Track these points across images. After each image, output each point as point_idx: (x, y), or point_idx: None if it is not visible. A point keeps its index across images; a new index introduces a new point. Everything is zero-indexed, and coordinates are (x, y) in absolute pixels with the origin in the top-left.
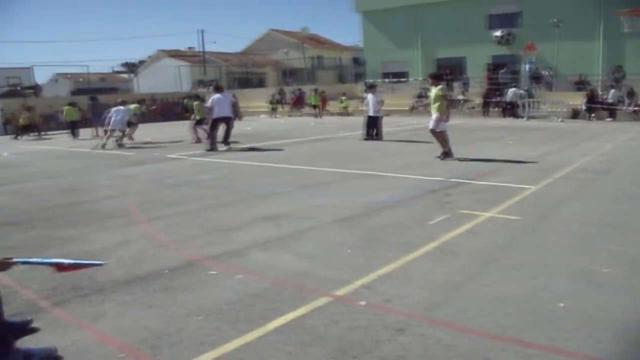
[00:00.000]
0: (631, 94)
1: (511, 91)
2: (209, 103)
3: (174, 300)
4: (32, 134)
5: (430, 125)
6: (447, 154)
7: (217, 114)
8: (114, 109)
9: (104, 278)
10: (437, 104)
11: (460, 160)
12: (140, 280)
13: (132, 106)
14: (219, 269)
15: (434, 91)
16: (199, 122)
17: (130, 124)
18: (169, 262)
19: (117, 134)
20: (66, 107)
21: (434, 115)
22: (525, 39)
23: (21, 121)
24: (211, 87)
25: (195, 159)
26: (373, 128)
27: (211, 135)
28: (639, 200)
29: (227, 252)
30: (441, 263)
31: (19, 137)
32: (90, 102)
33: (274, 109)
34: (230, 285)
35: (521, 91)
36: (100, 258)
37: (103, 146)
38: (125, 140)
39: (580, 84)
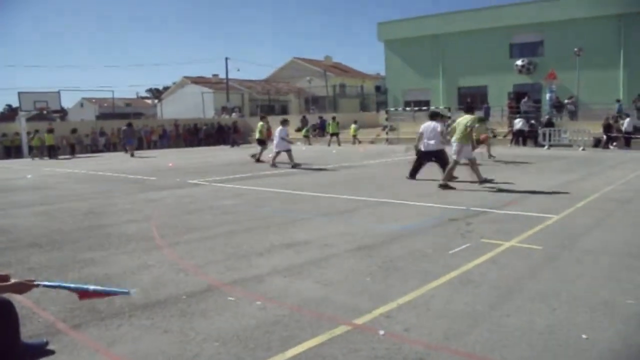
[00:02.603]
0: None
1: (517, 121)
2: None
3: (192, 326)
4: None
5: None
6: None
7: (423, 145)
8: (278, 129)
9: (122, 302)
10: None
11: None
12: (158, 304)
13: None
14: (237, 295)
15: (462, 121)
16: (259, 142)
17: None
18: (187, 287)
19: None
20: (46, 134)
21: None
22: (547, 68)
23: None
24: (234, 114)
25: (215, 184)
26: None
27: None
28: None
29: (246, 278)
30: (461, 293)
31: (34, 158)
32: (125, 128)
33: (306, 137)
34: (248, 311)
35: (532, 121)
36: (119, 282)
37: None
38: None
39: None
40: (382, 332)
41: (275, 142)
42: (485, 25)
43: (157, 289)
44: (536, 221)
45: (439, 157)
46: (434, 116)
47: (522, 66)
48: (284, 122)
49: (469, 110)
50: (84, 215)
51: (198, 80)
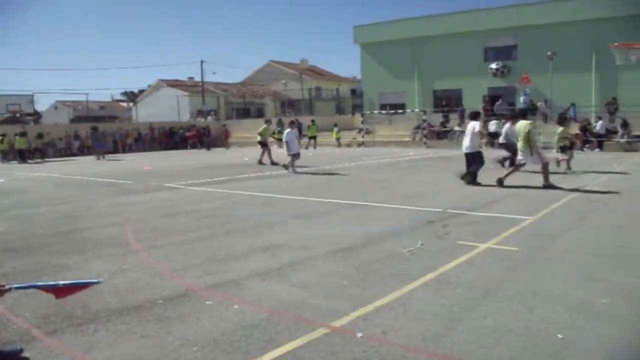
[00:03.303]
0: (625, 125)
1: (492, 123)
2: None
3: (169, 331)
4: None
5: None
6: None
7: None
8: (287, 131)
9: (98, 307)
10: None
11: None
12: (135, 309)
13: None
14: (215, 299)
15: (520, 127)
16: (261, 144)
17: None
18: (164, 292)
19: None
20: (17, 137)
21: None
22: (521, 71)
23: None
24: (210, 117)
25: (192, 188)
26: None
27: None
28: (635, 230)
29: (223, 282)
30: (438, 294)
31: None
32: (91, 132)
33: (279, 140)
34: (226, 315)
35: (502, 121)
36: (95, 286)
37: (286, 167)
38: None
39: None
40: (360, 335)
41: (289, 145)
42: (460, 29)
43: (133, 294)
44: (512, 223)
45: (473, 160)
46: (475, 116)
47: (497, 69)
48: (292, 124)
49: (522, 115)
50: (60, 219)
51: (174, 83)
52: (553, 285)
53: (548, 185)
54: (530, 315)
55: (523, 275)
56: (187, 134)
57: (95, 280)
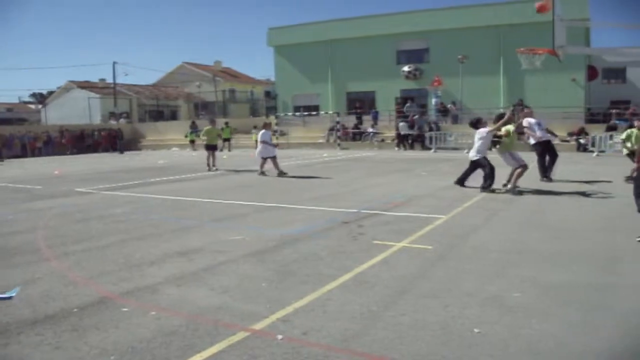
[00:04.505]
0: None
1: (401, 125)
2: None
3: (85, 340)
4: None
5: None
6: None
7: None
8: (262, 132)
9: (9, 318)
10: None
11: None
12: (48, 319)
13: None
14: (131, 305)
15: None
16: (207, 147)
17: None
18: (79, 300)
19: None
20: None
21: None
22: (433, 74)
23: None
24: (122, 119)
25: (105, 192)
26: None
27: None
28: (542, 227)
29: (139, 288)
30: (356, 294)
31: None
32: None
33: (192, 141)
34: (144, 322)
35: (423, 123)
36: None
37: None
38: None
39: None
40: (280, 337)
41: (258, 148)
42: (372, 32)
43: (46, 303)
44: (426, 222)
45: (475, 167)
46: (476, 124)
47: (409, 72)
48: (266, 126)
49: (500, 120)
50: None
51: (84, 85)
52: (466, 282)
53: (513, 189)
54: (445, 312)
55: (437, 272)
56: (63, 141)
57: (7, 295)
